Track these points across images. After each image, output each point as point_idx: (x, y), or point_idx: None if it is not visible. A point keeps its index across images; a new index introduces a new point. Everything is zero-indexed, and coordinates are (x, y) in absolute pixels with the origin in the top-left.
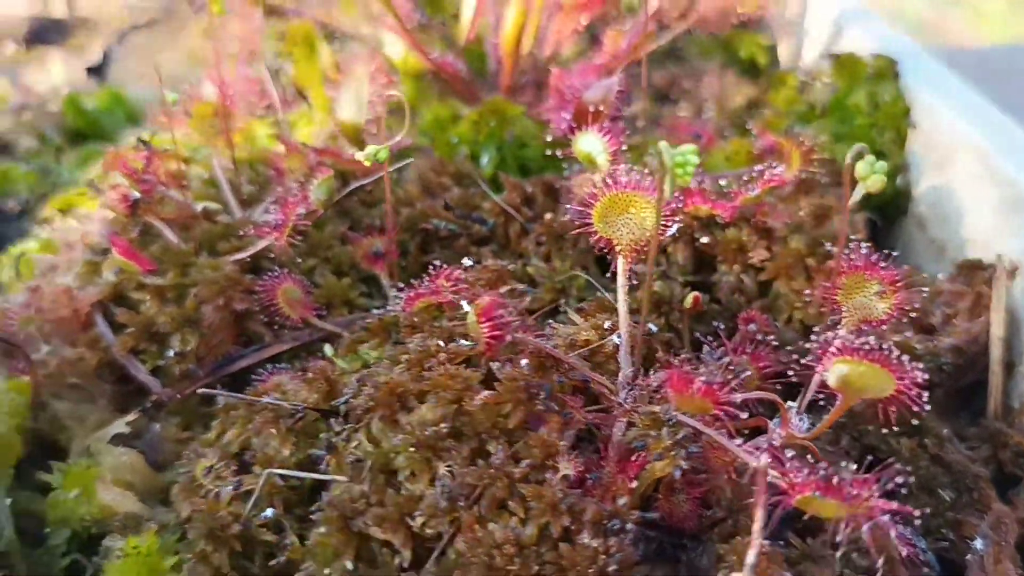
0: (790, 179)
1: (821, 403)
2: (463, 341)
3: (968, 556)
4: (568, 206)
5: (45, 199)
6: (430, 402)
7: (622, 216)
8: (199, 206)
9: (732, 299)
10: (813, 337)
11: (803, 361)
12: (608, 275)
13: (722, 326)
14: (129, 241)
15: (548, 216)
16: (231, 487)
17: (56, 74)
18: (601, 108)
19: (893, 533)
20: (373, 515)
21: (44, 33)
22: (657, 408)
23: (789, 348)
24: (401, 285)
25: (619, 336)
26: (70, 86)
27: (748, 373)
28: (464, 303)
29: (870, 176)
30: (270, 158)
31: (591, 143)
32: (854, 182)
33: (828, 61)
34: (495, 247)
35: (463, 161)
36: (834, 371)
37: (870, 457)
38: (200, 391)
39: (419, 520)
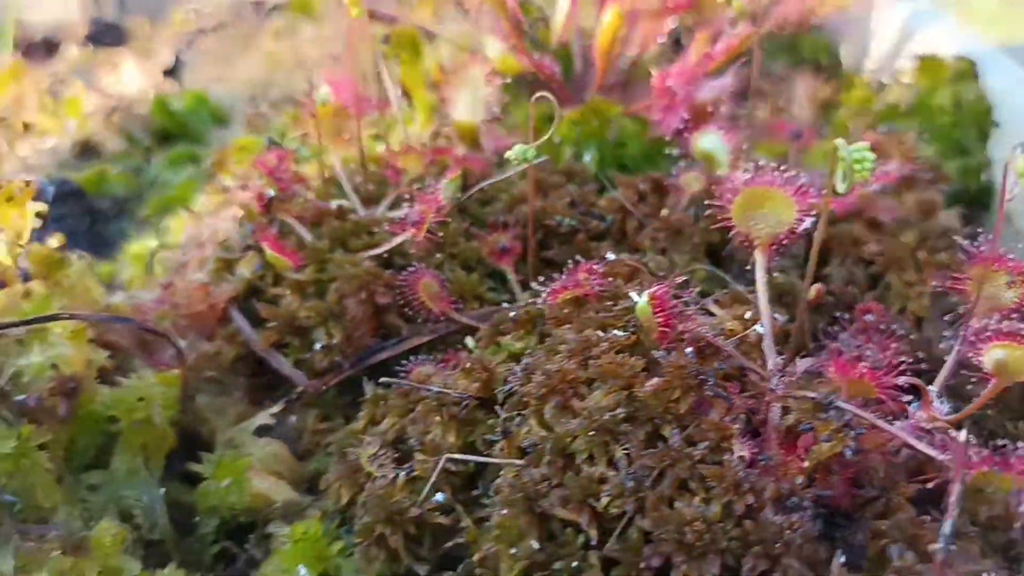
0: (896, 176)
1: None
2: (616, 332)
3: None
4: (680, 201)
5: (140, 199)
6: (601, 389)
7: (760, 211)
8: (334, 204)
9: (845, 291)
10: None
11: (940, 346)
12: (722, 268)
13: (846, 316)
14: (276, 238)
15: (664, 212)
16: (404, 472)
17: (130, 77)
18: (713, 108)
19: None
20: (557, 496)
21: (101, 36)
22: (812, 393)
23: (912, 337)
24: (523, 280)
25: (761, 326)
26: (147, 89)
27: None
28: (633, 293)
29: None
30: (386, 158)
31: (712, 142)
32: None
33: (910, 62)
34: (611, 242)
35: (572, 160)
36: (991, 355)
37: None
38: (380, 380)
39: (604, 500)
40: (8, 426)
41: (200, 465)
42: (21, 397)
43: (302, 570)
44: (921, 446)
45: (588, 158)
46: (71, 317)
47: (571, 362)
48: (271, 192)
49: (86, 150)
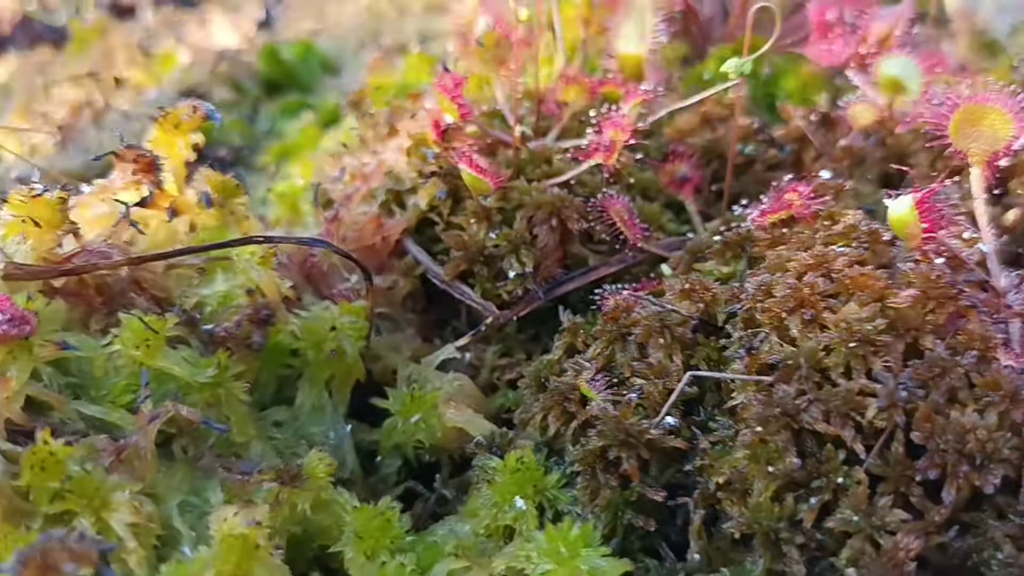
0: None
1: None
2: (843, 248)
3: None
4: (851, 133)
5: (254, 148)
6: (855, 301)
7: (976, 128)
8: (518, 131)
9: None
10: None
11: None
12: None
13: None
14: (476, 159)
15: (843, 141)
16: (635, 395)
17: (221, 32)
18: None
19: None
20: (818, 411)
21: None
22: None
23: None
24: (702, 210)
25: (985, 245)
26: (252, 39)
27: None
28: (888, 200)
29: None
30: (545, 92)
31: (903, 67)
32: None
33: None
34: (788, 172)
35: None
36: None
37: None
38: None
39: (871, 413)
40: (199, 355)
41: (386, 401)
42: (211, 326)
43: (519, 502)
44: None
45: (742, 90)
46: (266, 240)
47: (814, 276)
48: (449, 119)
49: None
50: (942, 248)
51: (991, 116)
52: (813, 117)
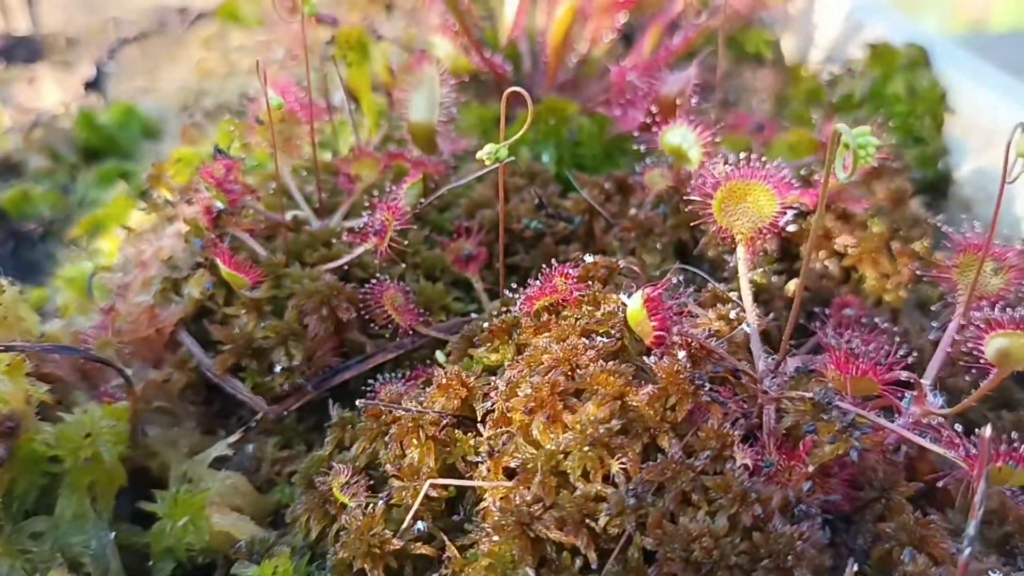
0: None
1: None
2: (600, 338)
3: None
4: (645, 200)
5: (67, 220)
6: (593, 400)
7: (740, 205)
8: (289, 215)
9: (820, 285)
10: (933, 322)
11: (930, 338)
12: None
13: (827, 312)
14: (230, 253)
15: (632, 211)
16: (383, 501)
17: (49, 92)
18: (679, 102)
19: None
20: (552, 518)
21: (14, 52)
22: (809, 393)
23: (894, 330)
24: (489, 288)
25: (748, 325)
26: (70, 103)
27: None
28: (624, 296)
29: None
30: (337, 165)
31: (682, 136)
32: None
33: (861, 52)
34: (579, 244)
35: (533, 161)
36: (993, 344)
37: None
38: (354, 402)
39: (603, 520)
40: None
41: (153, 504)
42: None
43: None
44: (930, 445)
45: (547, 158)
46: (7, 349)
47: (557, 373)
48: (220, 205)
49: (6, 169)
50: (688, 340)
51: (754, 193)
52: (608, 185)
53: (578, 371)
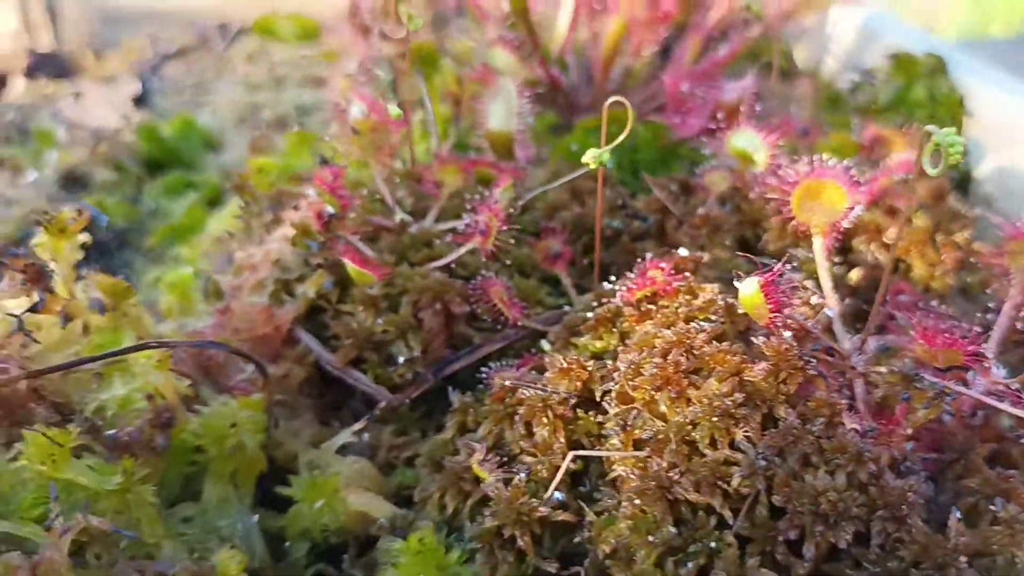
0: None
1: None
2: (703, 323)
3: None
4: (708, 200)
5: (140, 230)
6: (714, 377)
7: (815, 202)
8: (397, 218)
9: (872, 274)
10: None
11: (988, 316)
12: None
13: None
14: (359, 254)
15: (701, 210)
16: (525, 474)
17: (96, 107)
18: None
19: None
20: (688, 481)
21: (42, 68)
22: (895, 366)
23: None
24: (575, 283)
25: (830, 310)
26: (130, 117)
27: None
28: (738, 283)
29: None
30: (420, 171)
31: (748, 140)
32: None
33: (882, 61)
34: (652, 241)
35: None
36: None
37: None
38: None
39: (736, 481)
40: (104, 461)
41: (289, 488)
42: (114, 431)
43: None
44: (1011, 408)
45: (610, 163)
46: (161, 345)
47: (677, 354)
48: (330, 210)
49: (72, 181)
50: (789, 321)
51: (828, 190)
52: (673, 187)
53: (695, 351)
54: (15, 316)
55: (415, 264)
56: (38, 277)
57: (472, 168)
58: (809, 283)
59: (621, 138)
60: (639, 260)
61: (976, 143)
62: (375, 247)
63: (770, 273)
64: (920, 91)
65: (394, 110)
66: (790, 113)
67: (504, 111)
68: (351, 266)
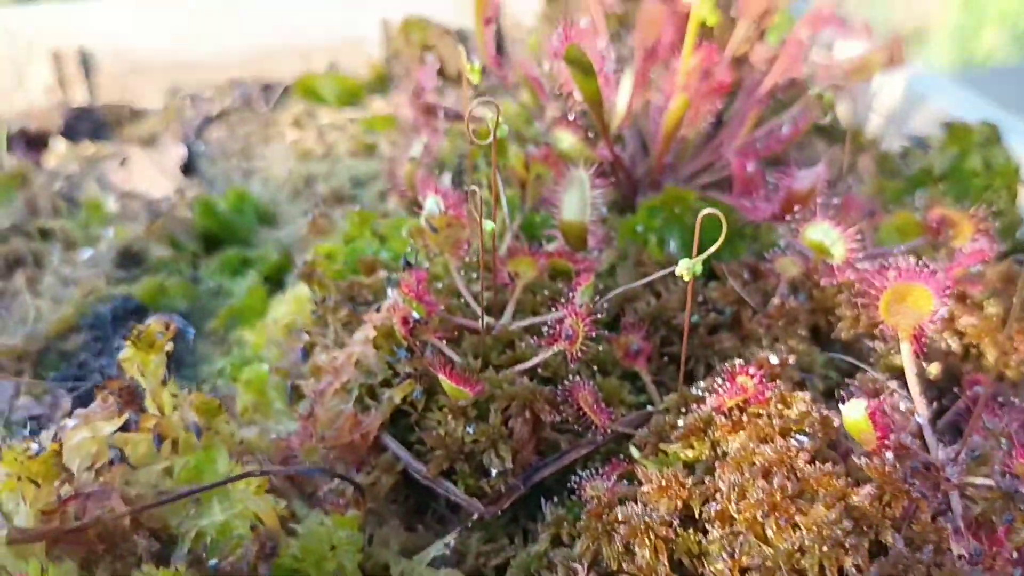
0: (990, 252)
1: None
2: (800, 438)
3: None
4: (780, 286)
5: (202, 311)
6: (820, 501)
7: (903, 304)
8: (478, 319)
9: (945, 362)
10: None
11: None
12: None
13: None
14: (450, 367)
15: (776, 300)
16: None
17: (142, 173)
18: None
19: None
20: None
21: (77, 125)
22: (991, 481)
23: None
24: (655, 379)
25: (920, 416)
26: (172, 186)
27: None
28: (843, 406)
29: None
30: (499, 262)
31: (824, 232)
32: None
33: (936, 129)
34: (727, 333)
35: (667, 252)
36: None
37: None
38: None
39: None
40: None
41: None
42: (216, 561)
43: None
44: None
45: (673, 246)
46: (264, 473)
47: (781, 477)
48: (416, 315)
49: (127, 258)
50: (894, 442)
51: (914, 294)
52: (745, 274)
53: (797, 473)
54: (117, 449)
55: (499, 367)
56: (132, 398)
57: (545, 260)
58: (893, 383)
59: (715, 248)
60: (723, 361)
61: None
62: (458, 349)
63: (876, 403)
64: (975, 161)
65: (488, 224)
66: (851, 188)
67: (579, 201)
68: (446, 382)
